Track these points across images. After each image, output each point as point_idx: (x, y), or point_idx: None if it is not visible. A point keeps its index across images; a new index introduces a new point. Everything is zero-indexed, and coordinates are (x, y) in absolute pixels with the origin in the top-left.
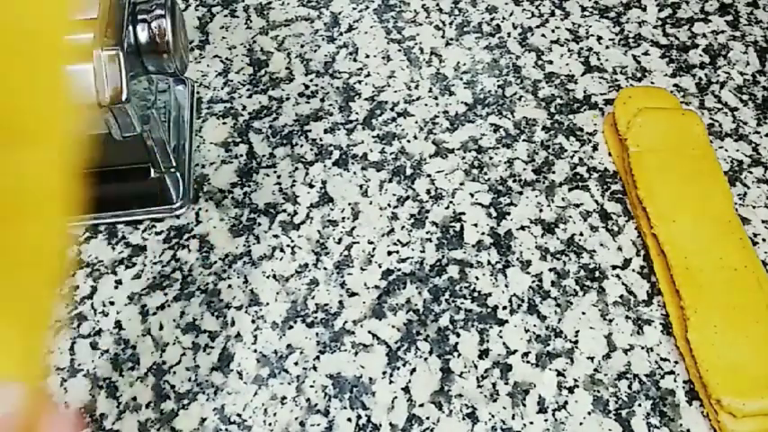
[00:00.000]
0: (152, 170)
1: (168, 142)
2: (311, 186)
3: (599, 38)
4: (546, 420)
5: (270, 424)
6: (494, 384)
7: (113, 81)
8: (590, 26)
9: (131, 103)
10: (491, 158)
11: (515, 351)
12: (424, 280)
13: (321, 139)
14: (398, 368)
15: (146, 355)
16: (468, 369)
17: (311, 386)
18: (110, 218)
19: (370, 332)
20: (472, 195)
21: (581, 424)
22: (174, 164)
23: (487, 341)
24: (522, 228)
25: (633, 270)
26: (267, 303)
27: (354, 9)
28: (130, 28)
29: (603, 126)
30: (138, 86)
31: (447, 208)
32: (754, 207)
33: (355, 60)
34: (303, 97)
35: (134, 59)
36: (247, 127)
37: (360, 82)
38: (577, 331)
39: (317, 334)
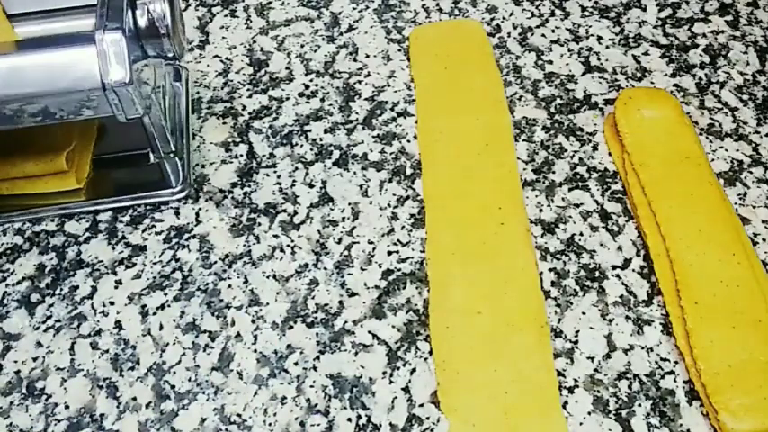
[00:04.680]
0: (151, 155)
1: (166, 128)
2: (311, 186)
3: (599, 38)
4: None
5: (270, 424)
6: None
7: (117, 63)
8: (590, 26)
9: (134, 86)
10: None
11: None
12: (424, 280)
13: (321, 139)
14: (398, 368)
15: (146, 355)
16: None
17: (311, 386)
18: (110, 203)
19: (370, 332)
20: None
21: (581, 424)
22: (174, 149)
23: None
24: None
25: (633, 270)
26: (267, 303)
27: (354, 9)
28: (130, 12)
29: (603, 126)
30: (140, 71)
31: None
32: (754, 207)
33: (355, 60)
34: (303, 97)
35: (134, 44)
36: (247, 127)
37: (360, 82)
38: (577, 331)
39: (316, 334)
